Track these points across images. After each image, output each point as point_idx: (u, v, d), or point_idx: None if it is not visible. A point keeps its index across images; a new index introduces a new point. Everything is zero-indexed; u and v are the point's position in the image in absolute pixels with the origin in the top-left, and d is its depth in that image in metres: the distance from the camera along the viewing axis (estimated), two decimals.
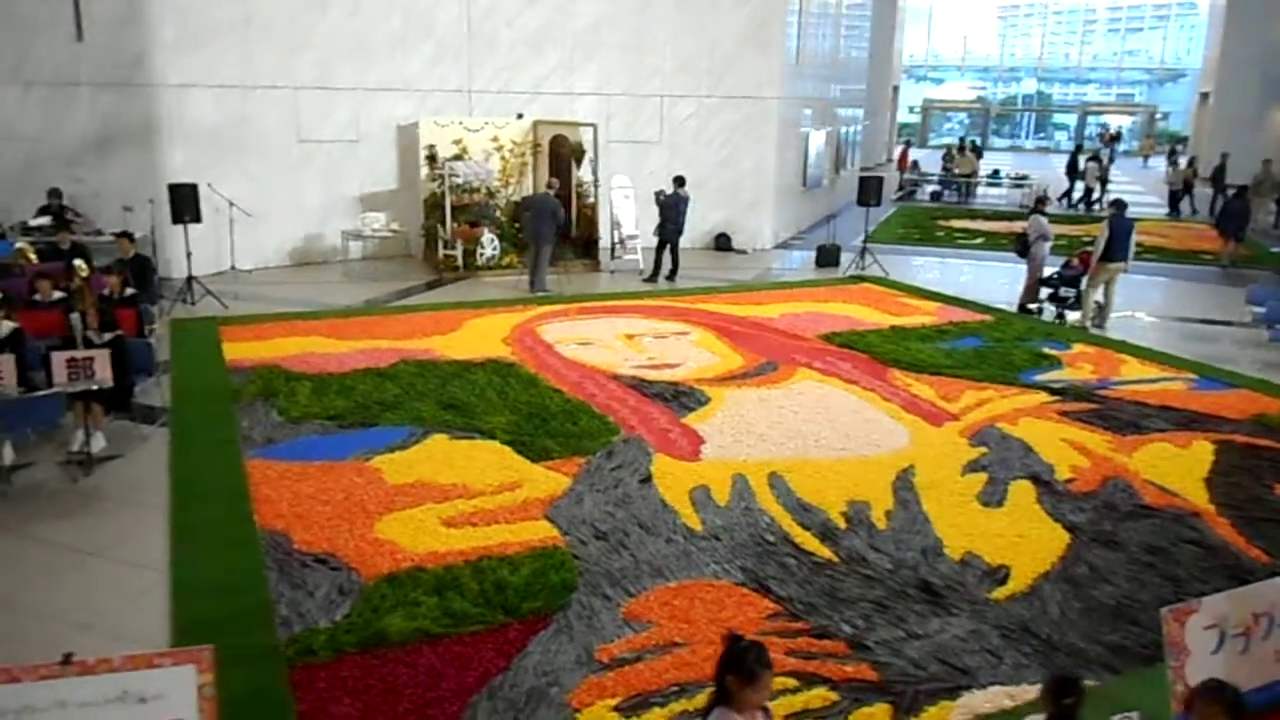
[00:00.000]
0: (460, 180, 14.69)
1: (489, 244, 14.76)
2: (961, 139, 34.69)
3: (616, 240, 15.39)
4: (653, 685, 4.59)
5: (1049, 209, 14.62)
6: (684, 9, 16.84)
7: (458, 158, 15.22)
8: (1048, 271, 13.09)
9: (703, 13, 16.86)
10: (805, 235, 19.76)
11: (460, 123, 15.48)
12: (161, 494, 6.68)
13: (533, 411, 8.35)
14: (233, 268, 14.20)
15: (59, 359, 6.78)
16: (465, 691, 4.52)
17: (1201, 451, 7.87)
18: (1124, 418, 8.62)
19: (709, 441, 7.82)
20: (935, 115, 57.36)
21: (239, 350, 10.07)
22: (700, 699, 4.43)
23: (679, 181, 14.50)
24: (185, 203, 11.88)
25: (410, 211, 15.49)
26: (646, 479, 7.03)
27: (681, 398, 8.89)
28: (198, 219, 12.19)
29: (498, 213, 15.32)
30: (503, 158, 15.73)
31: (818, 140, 20.83)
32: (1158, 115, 53.66)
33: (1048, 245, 13.12)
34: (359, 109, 15.24)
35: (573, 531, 6.16)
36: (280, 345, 10.31)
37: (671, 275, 14.52)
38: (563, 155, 15.83)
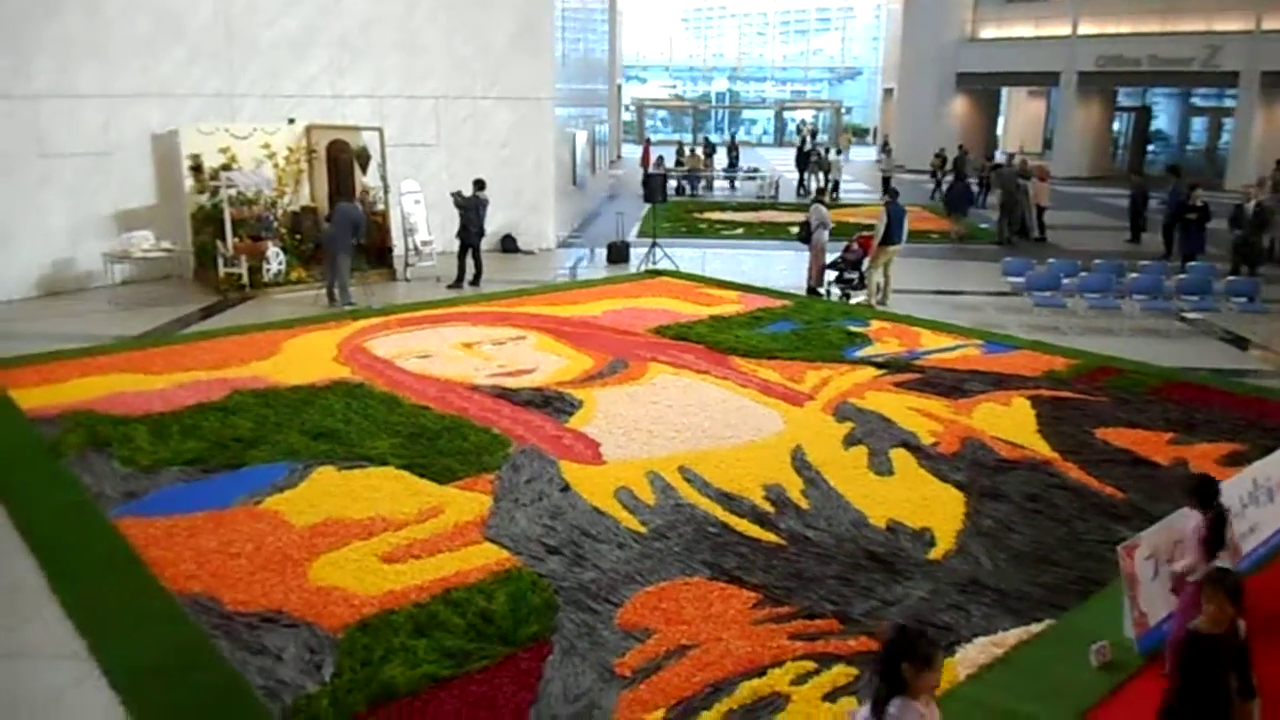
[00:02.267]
0: (237, 191, 13.56)
1: (274, 259, 13.76)
2: (705, 138, 36.59)
3: (411, 247, 14.87)
4: (688, 691, 4.63)
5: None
6: (453, 10, 16.51)
7: (226, 167, 14.06)
8: (830, 257, 14.22)
9: (472, 14, 16.62)
10: (580, 233, 20.06)
11: (226, 129, 14.29)
12: (29, 573, 5.76)
13: (413, 432, 7.99)
14: None
15: None
16: None
17: (1021, 407, 8.97)
18: (946, 383, 9.62)
19: (604, 443, 7.86)
20: (647, 113, 59.75)
21: (32, 398, 8.77)
22: (741, 693, 4.58)
23: (479, 185, 14.24)
24: None
25: (174, 228, 14.08)
26: (565, 488, 6.98)
27: (553, 403, 8.85)
28: None
29: (276, 224, 14.30)
30: (276, 166, 14.70)
31: (581, 139, 21.19)
32: (843, 110, 59.07)
33: (827, 232, 14.25)
34: (108, 118, 13.64)
35: (523, 550, 6.02)
36: (81, 387, 9.10)
37: (476, 280, 14.27)
38: (342, 161, 15.05)
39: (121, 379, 9.40)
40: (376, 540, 6.13)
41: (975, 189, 24.79)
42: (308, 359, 10.19)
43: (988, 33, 37.98)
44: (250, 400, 8.76)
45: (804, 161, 28.36)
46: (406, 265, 14.86)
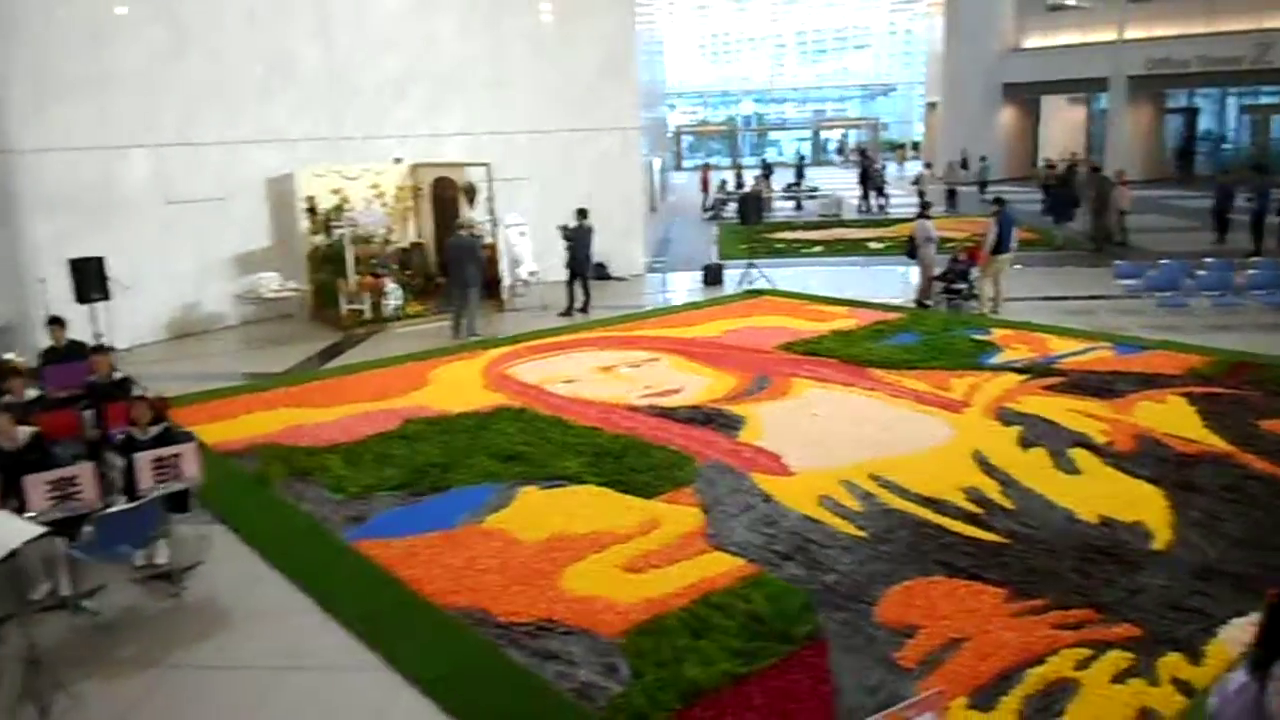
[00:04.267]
0: (360, 230, 13.98)
1: (392, 294, 14.15)
2: (763, 160, 36.93)
3: (518, 279, 15.21)
4: (979, 679, 4.79)
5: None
6: (541, 47, 16.95)
7: (339, 208, 14.52)
8: (937, 270, 14.39)
9: (559, 49, 17.04)
10: (662, 258, 20.37)
11: (337, 171, 14.75)
12: (291, 593, 6.04)
13: (596, 451, 8.22)
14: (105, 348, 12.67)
15: (144, 460, 5.95)
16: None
17: (1178, 404, 9.08)
18: (1094, 385, 9.74)
19: (785, 456, 8.06)
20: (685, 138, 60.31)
21: (211, 433, 9.08)
22: (1031, 680, 4.73)
23: (582, 214, 14.57)
24: (90, 279, 10.55)
25: (290, 268, 14.51)
26: (767, 498, 7.18)
27: (715, 420, 9.07)
28: (106, 295, 10.86)
29: (388, 261, 14.71)
30: (384, 204, 15.13)
31: (656, 166, 21.57)
32: (880, 126, 59.32)
33: (933, 246, 14.43)
34: (226, 164, 14.13)
35: (756, 557, 6.22)
36: (253, 422, 9.45)
37: (584, 308, 14.56)
38: (447, 198, 15.46)
39: (290, 413, 9.74)
40: (610, 552, 6.35)
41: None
42: (459, 388, 10.50)
43: (1032, 42, 38.15)
44: (425, 428, 9.05)
45: (865, 179, 28.57)
46: (514, 295, 15.20)
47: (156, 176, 13.49)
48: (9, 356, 9.14)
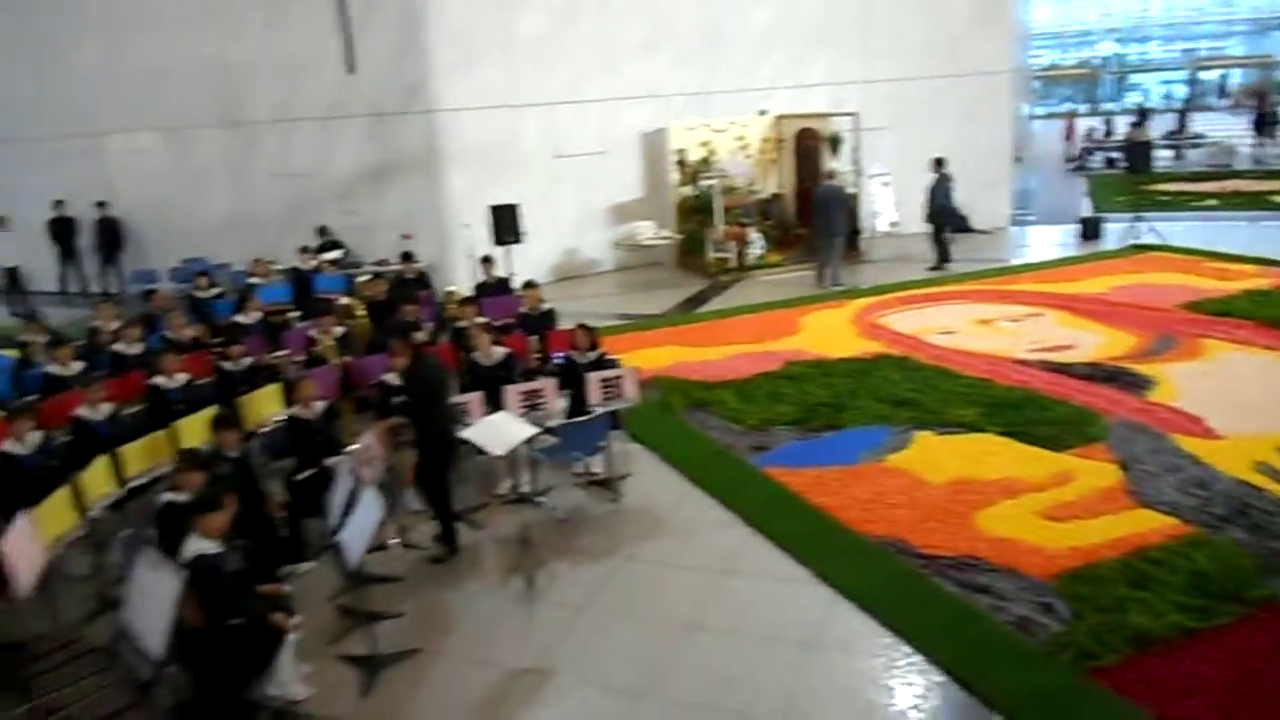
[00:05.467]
0: (728, 181, 14.52)
1: (755, 243, 14.58)
2: (1140, 107, 33.73)
3: (878, 230, 15.08)
4: None
5: None
6: None
7: (706, 160, 15.10)
8: None
9: None
10: (1026, 210, 19.27)
11: (706, 124, 15.34)
12: (714, 507, 6.55)
13: (990, 402, 8.08)
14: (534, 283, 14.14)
15: (595, 379, 6.70)
16: None
17: None
18: None
19: (1209, 418, 7.46)
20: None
21: None
22: None
23: (939, 163, 14.11)
24: (507, 224, 11.86)
25: (659, 218, 15.36)
26: (1196, 460, 6.72)
27: (1119, 378, 8.56)
28: (518, 240, 12.18)
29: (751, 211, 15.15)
30: (749, 156, 15.55)
31: (1019, 112, 20.33)
32: (1274, 63, 51.64)
33: None
34: (607, 120, 15.16)
35: (1191, 518, 5.86)
36: (643, 357, 10.15)
37: (940, 263, 14.15)
38: (808, 149, 15.60)
39: (674, 351, 10.42)
40: (1026, 499, 6.27)
41: None
42: (831, 334, 10.68)
43: None
44: (808, 370, 9.34)
45: (1261, 124, 25.18)
46: (873, 246, 15.10)
47: (547, 132, 14.75)
48: (451, 289, 10.53)
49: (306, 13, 13.91)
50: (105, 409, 6.72)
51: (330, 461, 6.12)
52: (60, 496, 5.22)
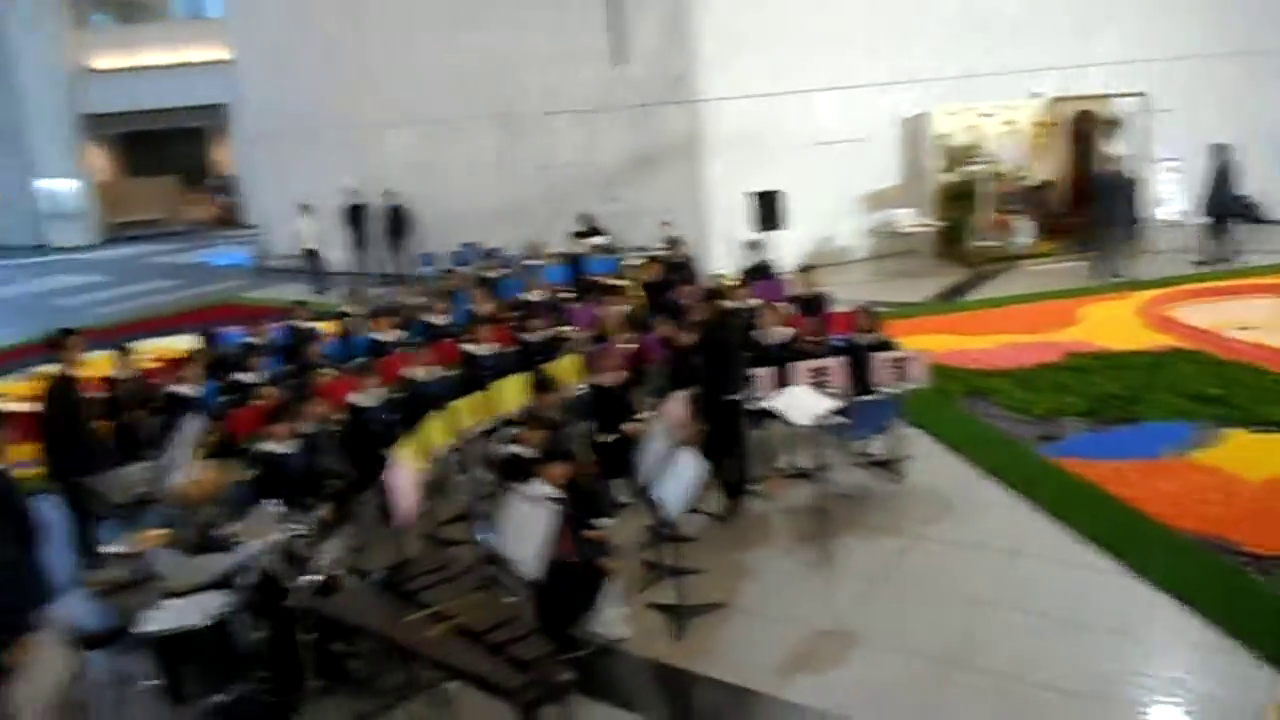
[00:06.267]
0: (995, 167, 14.05)
1: (1022, 231, 14.01)
2: None
3: (1163, 220, 14.08)
4: None
5: None
6: None
7: (971, 146, 14.64)
8: None
9: None
10: None
11: (972, 109, 14.87)
12: (1001, 492, 6.48)
13: None
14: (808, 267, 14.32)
15: (881, 360, 6.77)
16: None
17: None
18: None
19: None
20: None
21: None
22: None
23: (1221, 149, 12.93)
24: (769, 210, 12.07)
25: (917, 205, 15.03)
26: None
27: None
28: (781, 226, 12.37)
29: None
30: (1018, 141, 14.93)
31: None
32: None
33: None
34: (867, 106, 15.02)
35: None
36: (911, 344, 10.02)
37: (1212, 259, 12.97)
38: (1086, 133, 14.78)
39: (944, 339, 10.22)
40: None
41: None
42: (1115, 326, 10.15)
43: None
44: (1092, 362, 8.95)
45: None
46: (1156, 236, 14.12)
47: (807, 120, 14.81)
48: (720, 272, 10.86)
49: (578, 9, 14.70)
50: (432, 371, 7.49)
51: (627, 426, 6.54)
52: (412, 441, 5.91)
